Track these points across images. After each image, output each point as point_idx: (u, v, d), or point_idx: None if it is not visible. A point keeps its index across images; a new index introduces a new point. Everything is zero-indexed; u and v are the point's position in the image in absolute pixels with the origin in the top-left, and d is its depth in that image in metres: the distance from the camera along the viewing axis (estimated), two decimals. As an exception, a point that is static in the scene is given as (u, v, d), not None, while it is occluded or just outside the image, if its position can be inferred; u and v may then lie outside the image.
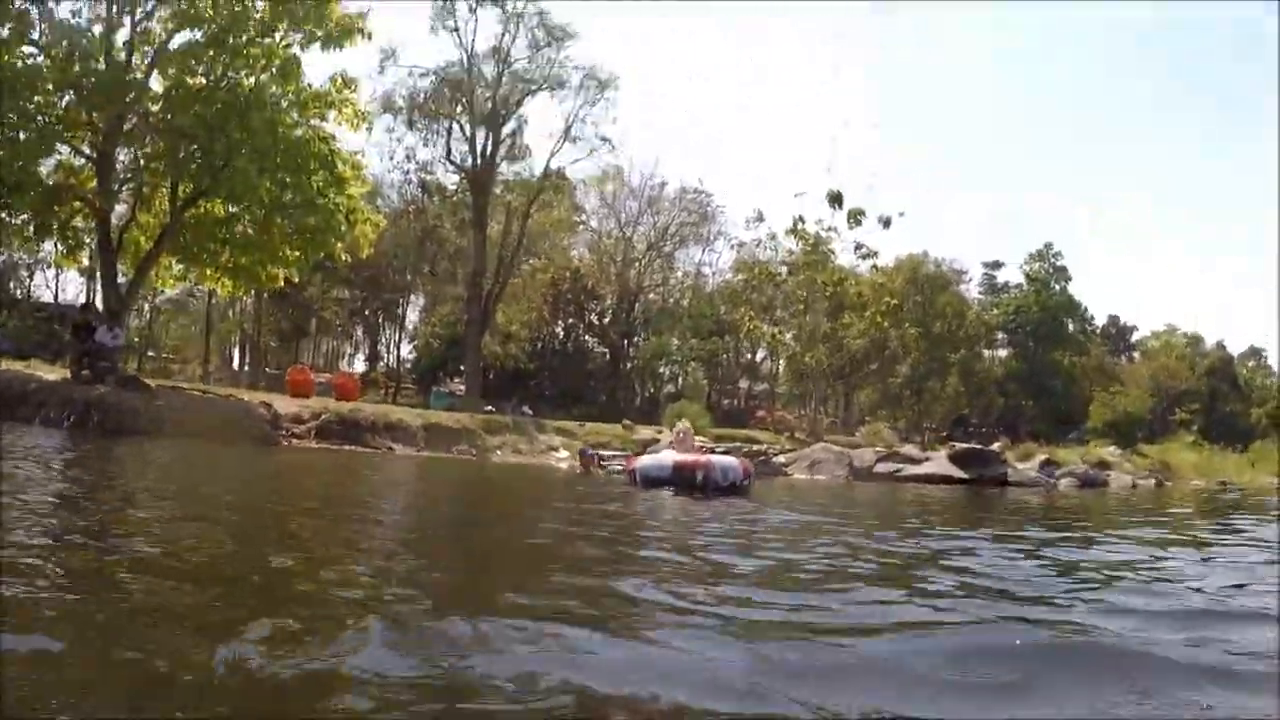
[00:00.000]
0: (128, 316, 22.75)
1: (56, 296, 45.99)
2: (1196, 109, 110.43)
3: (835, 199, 38.28)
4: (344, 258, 24.45)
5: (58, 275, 45.66)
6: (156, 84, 21.29)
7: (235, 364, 59.85)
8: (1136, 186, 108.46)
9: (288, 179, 19.76)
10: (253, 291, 50.48)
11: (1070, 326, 60.64)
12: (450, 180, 42.87)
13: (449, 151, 40.12)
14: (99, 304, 22.62)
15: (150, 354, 54.07)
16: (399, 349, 58.16)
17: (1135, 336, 74.58)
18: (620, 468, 14.31)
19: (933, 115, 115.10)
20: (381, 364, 58.55)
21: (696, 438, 24.94)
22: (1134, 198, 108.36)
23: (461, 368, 41.64)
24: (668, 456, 11.79)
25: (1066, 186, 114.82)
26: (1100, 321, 69.29)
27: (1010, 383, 58.49)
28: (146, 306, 57.15)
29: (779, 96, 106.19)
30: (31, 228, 21.55)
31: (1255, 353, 70.22)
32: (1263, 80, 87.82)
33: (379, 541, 4.60)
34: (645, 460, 12.11)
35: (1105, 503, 16.30)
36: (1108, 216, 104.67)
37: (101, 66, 19.80)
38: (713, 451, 14.61)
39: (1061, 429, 52.93)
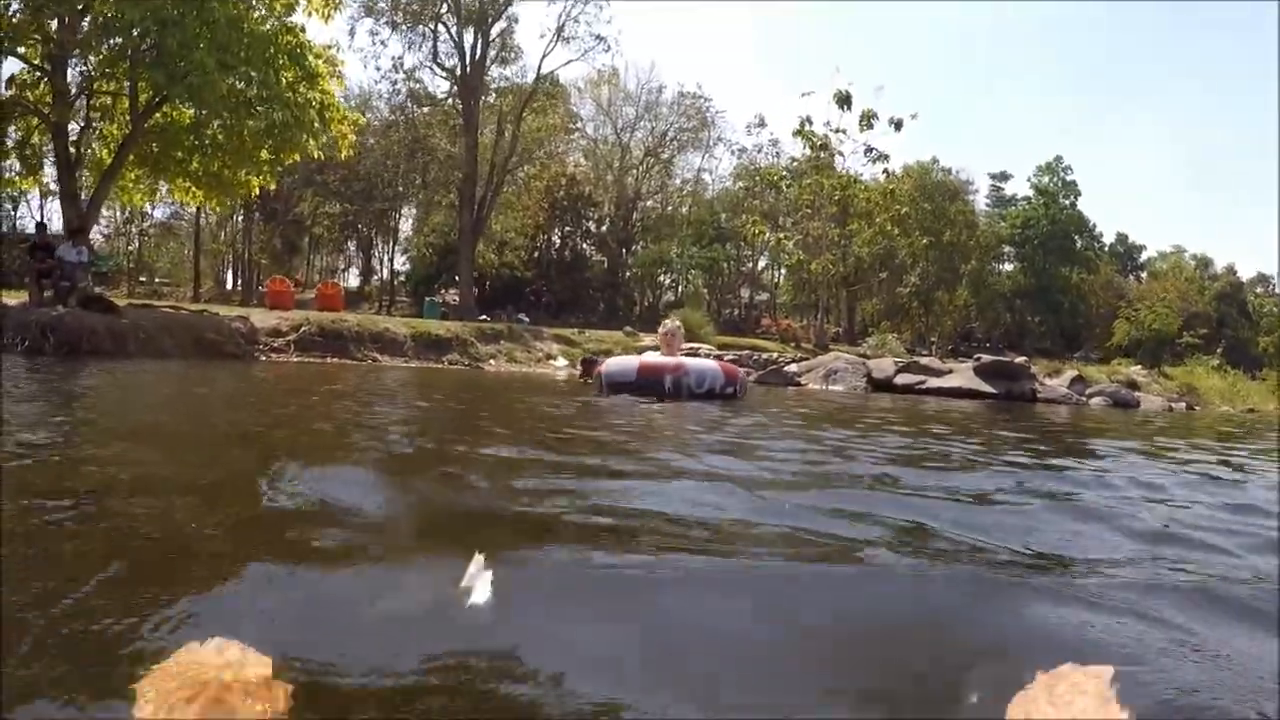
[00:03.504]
0: (88, 233, 21.20)
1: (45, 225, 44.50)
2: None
3: (844, 100, 36.72)
4: (317, 156, 22.70)
5: (42, 205, 44.08)
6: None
7: (229, 285, 58.91)
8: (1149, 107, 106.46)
9: (253, 74, 18.11)
10: (241, 209, 50.12)
11: (1079, 243, 58.90)
12: (440, 87, 41.41)
13: (435, 55, 38.55)
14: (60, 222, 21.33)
15: (142, 279, 53.21)
16: (392, 261, 56.93)
17: (1143, 256, 73.21)
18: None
19: (942, 21, 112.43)
20: (375, 278, 57.47)
21: (701, 346, 23.87)
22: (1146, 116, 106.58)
23: (456, 277, 40.29)
24: (634, 360, 10.25)
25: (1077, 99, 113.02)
26: (1108, 239, 67.62)
27: (1018, 297, 57.17)
28: (135, 230, 56.31)
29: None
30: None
31: (1263, 279, 68.62)
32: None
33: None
34: (611, 364, 10.44)
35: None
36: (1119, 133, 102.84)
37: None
38: (721, 360, 13.12)
39: (1069, 347, 52.03)
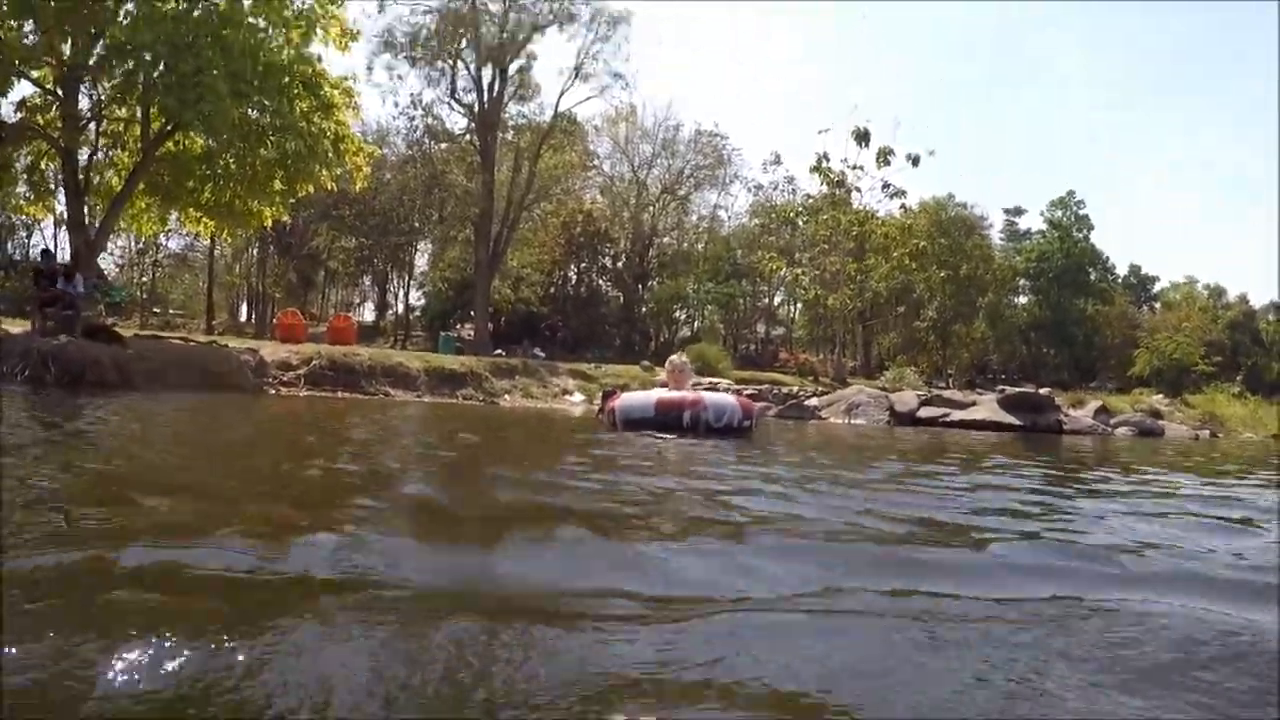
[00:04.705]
0: (94, 259, 21.02)
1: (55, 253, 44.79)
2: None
3: (862, 136, 36.55)
4: (331, 187, 22.65)
5: (55, 234, 44.18)
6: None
7: (243, 318, 58.91)
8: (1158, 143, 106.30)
9: (266, 102, 17.92)
10: (256, 242, 50.01)
11: (1093, 275, 58.97)
12: (457, 123, 41.32)
13: (454, 91, 38.48)
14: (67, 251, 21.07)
15: (156, 310, 53.29)
16: (408, 296, 56.86)
17: (1156, 287, 72.91)
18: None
19: (952, 59, 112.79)
20: (390, 313, 57.36)
21: (721, 381, 23.46)
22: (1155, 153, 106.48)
23: (472, 313, 40.07)
24: (651, 394, 10.02)
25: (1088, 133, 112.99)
26: (1121, 271, 67.48)
27: (1033, 330, 56.97)
28: (149, 261, 56.44)
29: (797, 37, 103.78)
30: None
31: (1275, 307, 67.98)
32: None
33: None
34: (627, 398, 10.19)
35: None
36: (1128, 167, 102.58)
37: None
38: (739, 394, 12.72)
39: (1083, 378, 51.70)
